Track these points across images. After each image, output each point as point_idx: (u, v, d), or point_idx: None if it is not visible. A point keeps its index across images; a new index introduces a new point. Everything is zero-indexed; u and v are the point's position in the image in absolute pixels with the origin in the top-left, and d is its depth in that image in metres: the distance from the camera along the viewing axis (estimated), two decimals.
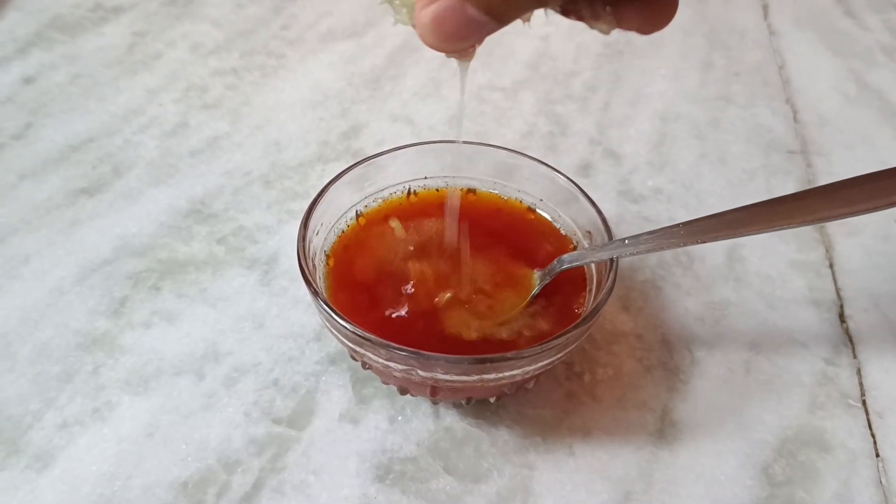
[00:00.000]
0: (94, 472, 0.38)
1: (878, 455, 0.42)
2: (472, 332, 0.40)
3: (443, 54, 0.31)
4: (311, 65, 0.70)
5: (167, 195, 0.54)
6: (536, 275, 0.43)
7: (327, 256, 0.43)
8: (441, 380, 0.36)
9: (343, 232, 0.45)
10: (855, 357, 0.46)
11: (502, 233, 0.45)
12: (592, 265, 0.42)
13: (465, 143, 0.46)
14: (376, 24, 0.76)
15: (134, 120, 0.61)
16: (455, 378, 0.36)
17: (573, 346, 0.38)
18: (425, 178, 0.47)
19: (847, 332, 0.48)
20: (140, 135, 0.60)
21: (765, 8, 0.82)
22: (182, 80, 0.66)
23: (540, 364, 0.37)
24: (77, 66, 0.67)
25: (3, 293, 0.47)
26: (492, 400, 0.42)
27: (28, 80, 0.65)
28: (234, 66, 0.68)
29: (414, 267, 0.43)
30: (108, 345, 0.44)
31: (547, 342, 0.36)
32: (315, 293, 0.37)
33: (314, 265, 0.41)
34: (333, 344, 0.45)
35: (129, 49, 0.70)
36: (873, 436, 0.43)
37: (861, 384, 0.45)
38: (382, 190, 0.46)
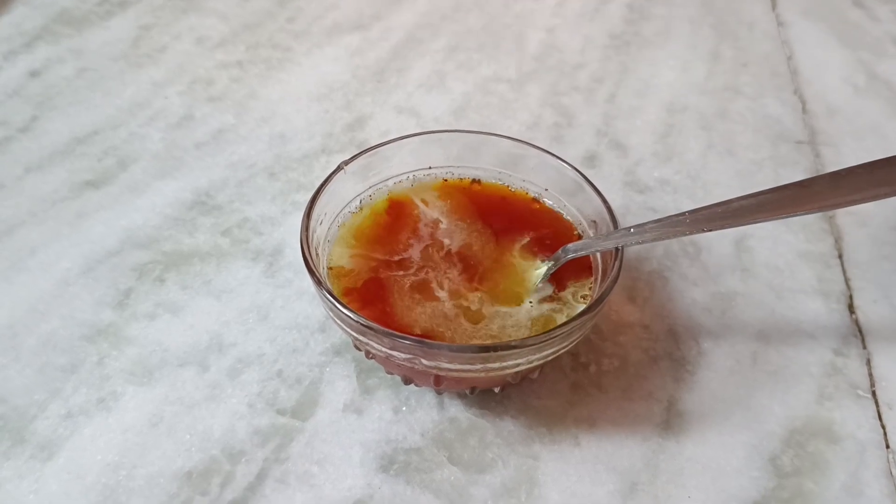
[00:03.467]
0: (98, 461, 0.38)
1: (887, 446, 0.41)
2: (476, 321, 0.40)
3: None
4: (316, 57, 0.70)
5: (172, 187, 0.54)
6: (542, 264, 0.42)
7: (331, 246, 0.43)
8: (445, 369, 0.36)
9: (346, 221, 0.44)
10: (864, 348, 0.46)
11: (507, 222, 0.45)
12: (598, 254, 0.42)
13: (470, 132, 0.46)
14: (382, 16, 0.76)
15: (139, 113, 0.61)
16: (459, 367, 0.36)
17: (578, 335, 0.38)
18: (430, 167, 0.47)
19: (856, 322, 0.48)
20: (145, 127, 0.60)
21: None
22: (188, 72, 0.66)
23: (544, 353, 0.36)
24: (83, 60, 0.67)
25: (10, 285, 0.47)
26: (496, 390, 0.41)
27: (34, 74, 0.65)
28: (240, 59, 0.68)
29: (418, 256, 0.43)
30: (114, 336, 0.44)
31: (551, 331, 0.35)
32: (318, 283, 0.37)
33: (317, 255, 0.40)
34: (338, 335, 0.45)
35: (135, 42, 0.70)
36: (883, 427, 0.42)
37: (870, 375, 0.45)
38: (386, 180, 0.46)
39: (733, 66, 0.71)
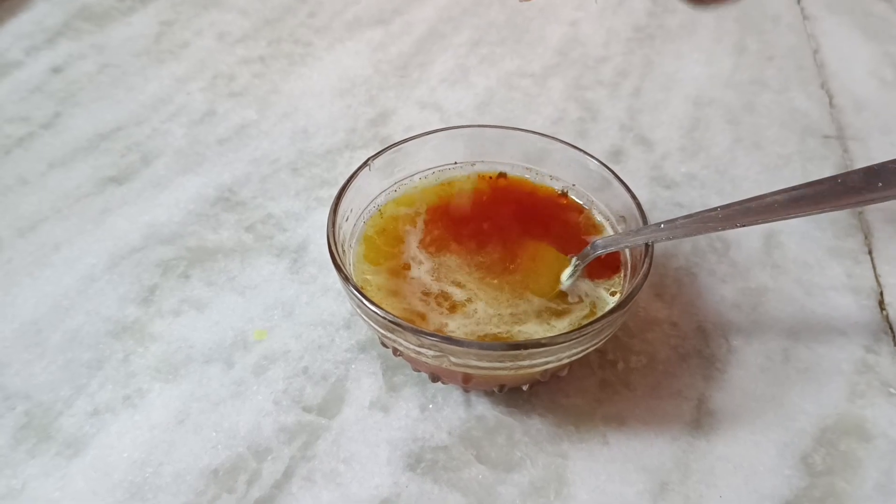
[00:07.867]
0: (125, 458, 0.38)
1: None
2: (504, 318, 0.39)
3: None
4: (338, 52, 0.69)
5: (195, 183, 0.54)
6: (570, 260, 0.42)
7: (357, 242, 0.43)
8: (474, 366, 0.35)
9: (372, 218, 0.44)
10: (895, 345, 0.45)
11: (535, 218, 0.45)
12: (627, 251, 0.42)
13: (495, 127, 0.46)
14: (403, 11, 0.75)
15: (162, 108, 0.61)
16: (488, 365, 0.35)
17: (608, 333, 0.37)
18: (455, 163, 0.46)
19: (887, 319, 0.47)
20: (168, 123, 0.60)
21: None
22: (209, 68, 0.66)
23: (574, 351, 0.36)
24: (105, 56, 0.67)
25: (34, 281, 0.47)
26: (524, 388, 0.41)
27: (57, 70, 0.65)
28: (261, 54, 0.68)
29: (446, 252, 0.42)
30: (139, 332, 0.44)
31: (582, 329, 0.35)
32: (346, 279, 0.37)
33: (344, 251, 0.40)
34: (363, 331, 0.44)
35: (157, 38, 0.70)
36: None
37: None
38: (412, 176, 0.46)
39: (759, 60, 0.70)
